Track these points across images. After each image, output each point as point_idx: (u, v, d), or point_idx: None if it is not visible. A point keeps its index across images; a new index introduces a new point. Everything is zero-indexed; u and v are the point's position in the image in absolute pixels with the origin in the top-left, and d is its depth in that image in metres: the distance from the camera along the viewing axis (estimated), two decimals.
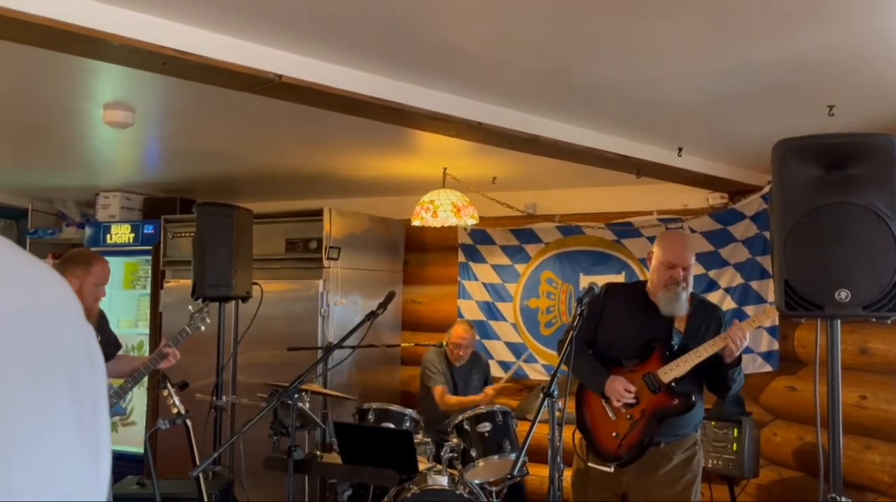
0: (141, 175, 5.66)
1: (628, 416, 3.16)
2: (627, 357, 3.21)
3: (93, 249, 6.02)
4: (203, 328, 3.97)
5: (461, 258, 5.72)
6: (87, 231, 6.00)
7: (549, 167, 4.84)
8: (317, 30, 2.43)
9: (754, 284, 4.68)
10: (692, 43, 2.52)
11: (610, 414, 3.20)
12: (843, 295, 2.25)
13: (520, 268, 5.53)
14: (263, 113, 3.61)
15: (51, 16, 2.04)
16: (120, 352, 4.13)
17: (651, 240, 5.10)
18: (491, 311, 5.59)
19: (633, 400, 3.14)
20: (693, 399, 3.11)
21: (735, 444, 4.24)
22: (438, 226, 4.78)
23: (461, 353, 4.77)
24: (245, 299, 4.45)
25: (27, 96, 3.40)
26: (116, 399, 3.55)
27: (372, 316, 3.03)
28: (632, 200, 5.24)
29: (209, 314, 3.84)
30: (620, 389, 3.14)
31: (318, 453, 3.29)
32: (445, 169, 4.71)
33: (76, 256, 3.36)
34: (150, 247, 5.73)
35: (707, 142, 3.94)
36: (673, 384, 3.14)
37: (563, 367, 2.86)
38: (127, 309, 6.10)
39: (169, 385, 2.92)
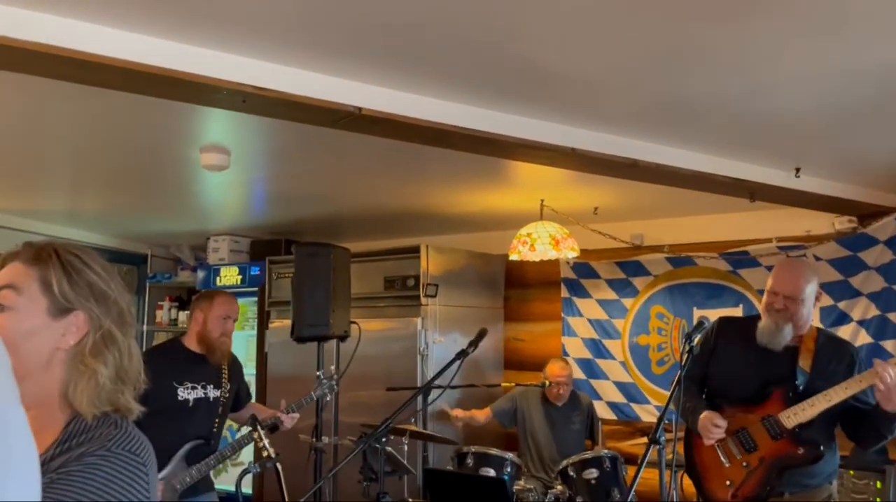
0: (248, 218, 5.82)
1: (744, 464, 2.84)
2: (744, 398, 2.90)
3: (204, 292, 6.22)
4: (329, 397, 3.92)
5: (564, 293, 5.50)
6: (200, 274, 6.21)
7: (655, 195, 4.59)
8: (396, 60, 2.36)
9: (893, 316, 4.21)
10: (809, 43, 2.26)
11: (724, 460, 2.89)
12: None
13: (627, 302, 5.24)
14: (358, 150, 3.60)
15: (126, 57, 2.06)
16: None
17: (771, 269, 4.70)
18: (598, 349, 5.31)
19: (752, 446, 2.82)
20: (821, 449, 2.76)
21: (879, 498, 3.76)
22: (537, 259, 4.60)
23: (561, 392, 4.54)
24: (343, 338, 4.41)
25: (131, 143, 3.53)
26: (231, 451, 3.53)
27: (462, 354, 2.89)
28: (748, 227, 4.88)
29: (338, 384, 3.79)
30: (708, 424, 2.84)
31: (410, 500, 3.16)
32: (543, 200, 4.54)
33: (203, 293, 3.52)
34: (256, 289, 5.85)
35: (829, 159, 3.59)
36: (797, 430, 2.79)
37: (672, 407, 2.62)
38: (238, 349, 6.20)
39: (259, 427, 2.88)
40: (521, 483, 3.80)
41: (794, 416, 2.77)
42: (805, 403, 2.76)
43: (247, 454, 5.77)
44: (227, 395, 3.42)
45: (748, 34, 2.20)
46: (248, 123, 3.12)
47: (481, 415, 4.76)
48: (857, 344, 4.26)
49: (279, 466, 2.69)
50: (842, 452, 3.99)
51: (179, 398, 3.23)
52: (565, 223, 4.63)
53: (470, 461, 3.80)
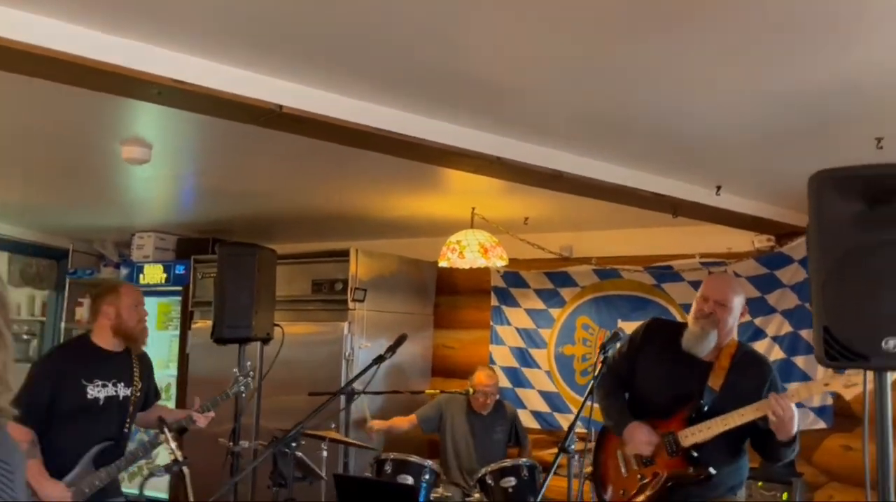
0: (175, 215, 5.68)
1: (640, 476, 2.89)
2: (655, 409, 2.94)
3: None
4: (244, 394, 3.83)
5: (493, 302, 5.53)
6: (123, 271, 6.03)
7: (584, 207, 4.65)
8: (319, 59, 2.33)
9: (804, 333, 4.35)
10: (729, 65, 2.33)
11: (622, 469, 2.93)
12: (892, 343, 1.99)
13: (554, 312, 5.30)
14: (288, 150, 3.55)
15: (34, 41, 1.98)
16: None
17: (693, 284, 4.83)
18: (524, 358, 5.35)
19: (649, 459, 2.87)
20: (711, 471, 2.80)
21: None
22: (466, 267, 4.61)
23: (487, 401, 4.55)
24: (266, 341, 4.33)
25: (51, 132, 3.40)
26: (142, 453, 3.37)
27: (379, 359, 2.86)
28: (673, 243, 4.99)
29: (254, 380, 3.70)
30: (640, 439, 2.86)
31: None
32: (474, 209, 4.56)
33: (103, 286, 3.36)
34: (180, 288, 5.71)
35: (748, 179, 3.71)
36: (692, 449, 2.84)
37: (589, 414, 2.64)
38: (160, 350, 6.05)
39: (166, 429, 2.79)
40: (440, 490, 3.79)
41: (692, 436, 2.82)
42: (703, 425, 2.81)
43: (165, 459, 5.62)
44: (139, 394, 3.31)
45: (671, 52, 2.25)
46: (170, 117, 3.04)
47: (405, 422, 4.73)
48: (773, 358, 4.40)
49: (186, 470, 2.60)
50: (753, 463, 4.12)
51: (89, 397, 3.11)
52: (496, 232, 4.65)
53: (388, 468, 3.77)
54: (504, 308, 5.49)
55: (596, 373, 2.74)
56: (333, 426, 4.14)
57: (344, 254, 4.85)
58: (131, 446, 3.35)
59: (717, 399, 2.86)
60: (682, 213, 3.98)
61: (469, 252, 4.35)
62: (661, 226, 4.94)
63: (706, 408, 2.84)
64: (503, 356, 5.42)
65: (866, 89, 2.48)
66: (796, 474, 4.09)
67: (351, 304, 4.81)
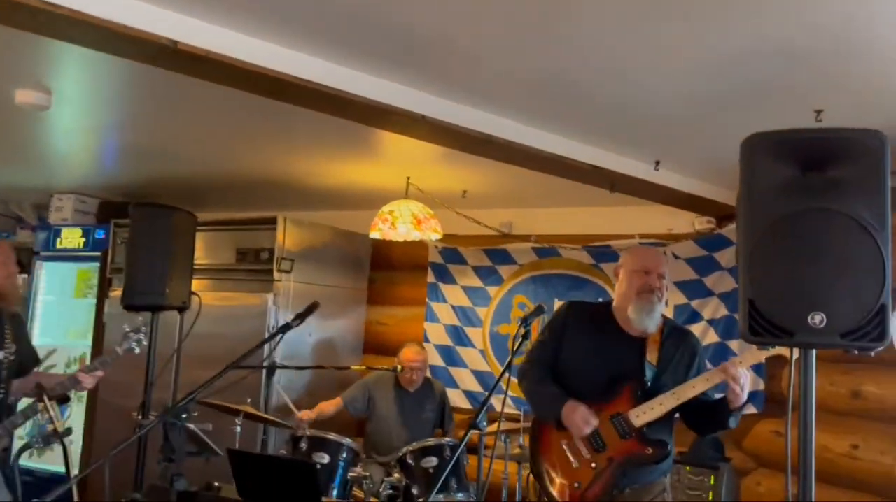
0: (97, 177, 5.35)
1: (593, 464, 2.72)
2: (592, 393, 2.76)
3: (43, 254, 5.71)
4: (137, 350, 3.56)
5: (430, 278, 5.35)
6: (40, 235, 5.68)
7: (524, 183, 4.51)
8: None
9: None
10: (665, 30, 2.19)
11: (572, 460, 2.75)
12: (818, 319, 1.87)
13: (491, 290, 5.15)
14: (213, 106, 3.32)
15: None
16: (40, 369, 3.69)
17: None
18: (459, 336, 5.19)
19: (601, 445, 2.72)
20: (669, 447, 2.70)
21: (711, 493, 3.81)
22: (399, 239, 4.43)
23: (414, 378, 4.38)
24: (182, 310, 4.07)
25: None
26: (21, 421, 3.09)
27: (286, 328, 2.66)
28: (613, 222, 4.87)
29: (146, 335, 3.43)
30: (579, 420, 2.68)
31: (217, 485, 2.90)
32: (409, 178, 4.36)
33: None
34: (99, 253, 5.39)
35: (688, 154, 3.58)
36: (645, 429, 2.71)
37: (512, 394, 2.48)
38: (78, 319, 5.74)
39: (46, 397, 2.54)
40: (358, 469, 3.61)
41: (644, 415, 2.68)
42: (654, 401, 2.68)
43: (79, 434, 5.31)
44: (12, 357, 3.04)
45: (608, 14, 2.09)
46: (67, 58, 2.78)
47: (331, 406, 4.50)
48: (706, 342, 4.31)
49: (66, 442, 2.37)
50: (680, 448, 4.04)
51: None
52: (433, 205, 4.46)
53: (304, 445, 3.57)
54: (441, 285, 5.32)
55: (514, 348, 2.58)
56: (249, 401, 3.91)
57: (271, 221, 4.61)
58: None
59: (656, 373, 2.75)
60: (620, 189, 3.85)
61: (402, 223, 4.15)
62: (602, 205, 4.82)
63: (650, 385, 2.73)
64: (438, 334, 5.26)
65: (804, 56, 2.35)
66: (724, 459, 4.02)
67: (277, 275, 4.58)
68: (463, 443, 2.26)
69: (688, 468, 3.90)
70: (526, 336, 2.62)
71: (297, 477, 2.29)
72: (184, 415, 2.50)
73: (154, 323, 4.08)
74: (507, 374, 2.48)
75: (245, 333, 4.56)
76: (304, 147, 4.04)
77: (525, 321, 2.62)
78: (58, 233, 5.56)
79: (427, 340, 5.24)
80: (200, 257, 4.85)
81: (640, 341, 2.80)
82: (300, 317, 2.72)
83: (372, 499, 3.57)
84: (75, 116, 3.72)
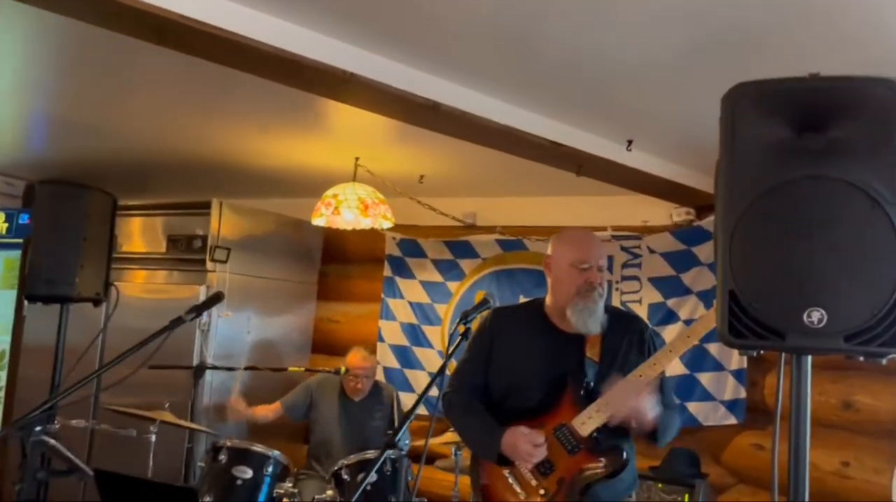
0: (25, 156, 4.90)
1: (542, 491, 2.29)
2: (532, 406, 2.35)
3: None
4: None
5: (387, 272, 4.92)
6: None
7: (488, 169, 4.10)
8: None
9: None
10: None
11: (518, 491, 2.32)
12: (816, 317, 1.47)
13: (452, 285, 4.73)
14: (144, 72, 2.93)
15: None
16: None
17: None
18: (416, 336, 4.77)
19: (547, 467, 2.30)
20: (625, 454, 2.27)
21: None
22: (347, 227, 3.99)
23: (359, 386, 3.94)
24: (97, 302, 3.62)
25: None
26: None
27: (177, 322, 2.23)
28: (584, 214, 4.46)
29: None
30: (525, 446, 2.27)
31: None
32: (357, 159, 3.93)
33: None
34: (22, 240, 4.92)
35: (663, 132, 3.18)
36: (595, 436, 2.29)
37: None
38: (3, 311, 5.25)
39: None
40: (287, 485, 3.18)
41: (590, 421, 2.27)
42: (599, 403, 2.27)
43: None
44: None
45: None
46: None
47: (269, 411, 4.05)
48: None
49: None
50: (652, 462, 3.64)
51: None
52: (388, 192, 4.03)
53: (223, 457, 3.13)
54: (398, 279, 4.89)
55: (450, 351, 2.17)
56: (168, 406, 3.46)
57: (205, 206, 4.15)
58: None
59: (599, 370, 2.33)
60: (588, 173, 3.44)
61: (347, 209, 3.72)
62: (572, 194, 4.43)
63: (592, 385, 2.31)
64: (393, 333, 4.83)
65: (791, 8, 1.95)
66: (700, 475, 3.61)
67: (210, 265, 4.12)
68: (376, 465, 1.83)
69: (659, 485, 3.49)
70: (466, 335, 2.20)
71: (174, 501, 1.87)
72: (38, 428, 2.06)
73: (63, 317, 3.63)
74: (442, 376, 2.07)
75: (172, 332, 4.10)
76: (243, 121, 3.60)
77: (465, 317, 2.20)
78: None
79: (382, 340, 4.81)
80: (128, 245, 4.41)
81: (577, 337, 2.38)
82: (197, 310, 2.30)
83: None
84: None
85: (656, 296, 4.11)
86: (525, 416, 2.33)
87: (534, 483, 2.29)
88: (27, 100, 3.67)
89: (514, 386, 2.40)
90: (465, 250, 4.72)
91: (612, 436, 2.31)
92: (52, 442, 2.09)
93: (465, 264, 4.71)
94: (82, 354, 3.54)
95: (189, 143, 4.05)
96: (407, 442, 1.97)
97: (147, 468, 3.31)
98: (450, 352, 2.14)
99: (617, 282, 4.28)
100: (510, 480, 2.32)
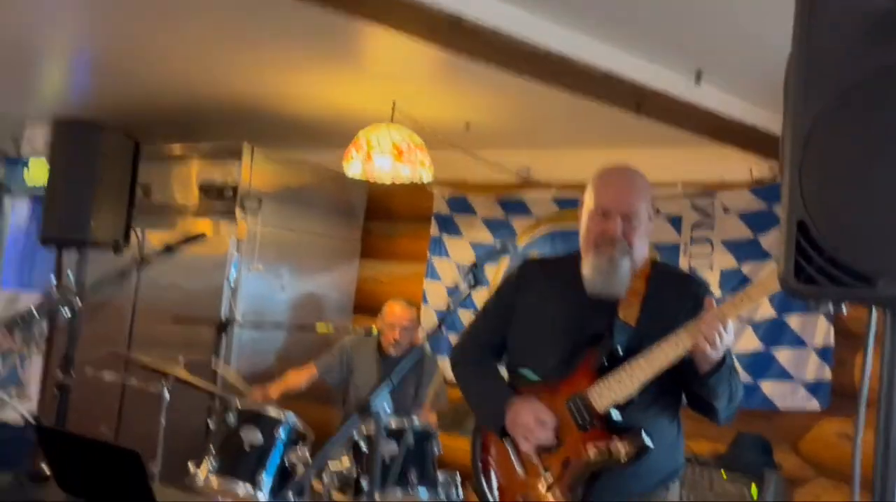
0: (74, 104, 4.79)
1: (544, 470, 1.94)
2: (544, 370, 2.00)
3: (13, 189, 5.22)
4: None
5: (434, 231, 4.59)
6: (7, 168, 5.16)
7: (539, 114, 3.70)
8: None
9: None
10: None
11: (518, 469, 1.99)
12: None
13: None
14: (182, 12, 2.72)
15: None
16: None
17: (673, 220, 3.85)
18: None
19: (552, 442, 1.93)
20: (644, 440, 1.86)
21: None
22: (384, 180, 3.66)
23: (396, 336, 3.64)
24: (116, 249, 3.45)
25: None
26: None
27: (140, 264, 1.94)
28: (652, 168, 3.85)
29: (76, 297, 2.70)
30: (529, 421, 1.92)
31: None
32: (395, 103, 3.57)
33: None
34: None
35: (740, 60, 2.69)
36: (613, 414, 1.90)
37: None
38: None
39: None
40: (301, 452, 2.91)
41: (608, 392, 1.88)
42: (622, 372, 1.87)
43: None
44: None
45: None
46: None
47: (302, 377, 3.77)
48: (758, 318, 3.44)
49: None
50: (715, 445, 3.20)
51: None
52: (433, 147, 3.67)
53: (232, 419, 2.89)
54: (445, 237, 4.55)
55: (464, 298, 1.85)
56: (183, 362, 3.24)
57: (235, 152, 3.89)
58: None
59: (635, 335, 1.93)
60: (648, 111, 2.97)
61: (378, 153, 3.38)
62: (638, 145, 3.94)
63: (622, 351, 1.90)
64: (438, 295, 4.51)
65: None
66: (772, 465, 3.14)
67: (240, 215, 3.87)
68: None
69: (723, 473, 3.05)
70: (477, 280, 1.85)
71: (118, 465, 1.61)
72: None
73: (82, 264, 3.48)
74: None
75: (201, 283, 3.90)
76: (273, 57, 3.31)
77: (474, 268, 1.86)
78: (27, 165, 5.02)
79: (426, 301, 4.50)
80: (158, 194, 4.23)
81: (613, 299, 1.99)
82: (169, 249, 2.00)
83: (315, 485, 2.88)
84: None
85: (729, 261, 3.62)
86: (539, 383, 1.98)
87: (535, 463, 1.93)
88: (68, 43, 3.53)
89: (532, 347, 2.06)
90: (518, 208, 4.33)
91: (638, 415, 1.89)
92: None
93: (518, 223, 4.32)
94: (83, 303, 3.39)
95: (220, 87, 3.81)
96: (387, 409, 1.64)
97: (159, 427, 3.12)
98: (452, 308, 1.81)
99: (686, 245, 3.81)
100: (511, 456, 1.97)
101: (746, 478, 3.00)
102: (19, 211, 5.23)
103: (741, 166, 3.74)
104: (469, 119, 3.82)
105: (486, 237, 4.43)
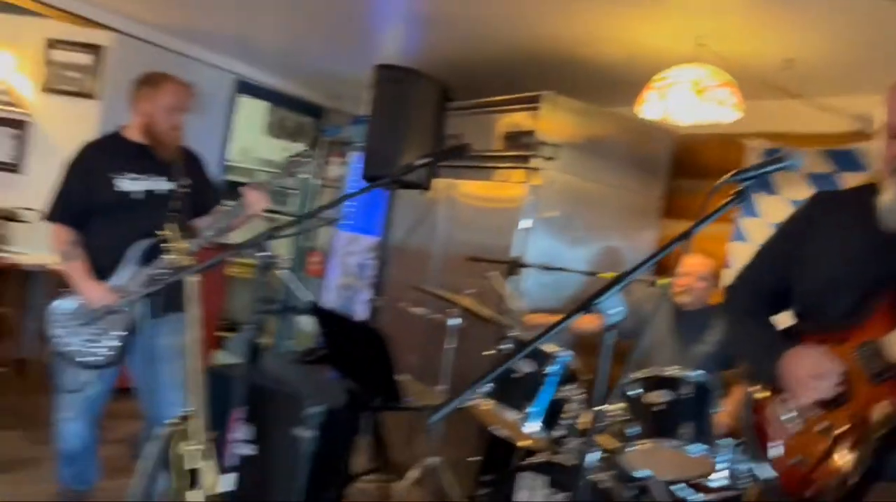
0: (399, 58, 5.16)
1: (824, 426, 1.66)
2: (833, 315, 1.72)
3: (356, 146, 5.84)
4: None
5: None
6: (355, 128, 5.83)
7: (882, 44, 3.14)
8: None
9: None
10: None
11: (795, 426, 1.73)
12: None
13: None
14: None
15: None
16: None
17: None
18: None
19: (836, 395, 1.64)
20: None
21: None
22: (681, 121, 3.41)
23: (688, 283, 3.42)
24: (423, 188, 3.74)
25: None
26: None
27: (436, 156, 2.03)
28: None
29: (305, 163, 2.91)
30: (810, 371, 1.66)
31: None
32: (697, 39, 3.29)
33: (146, 76, 2.93)
34: None
35: None
36: None
37: None
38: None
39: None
40: (571, 389, 2.86)
41: None
42: None
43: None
44: (186, 190, 2.92)
45: None
46: None
47: (593, 322, 3.73)
48: None
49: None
50: None
51: (117, 189, 2.81)
52: (748, 95, 3.33)
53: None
54: (756, 195, 4.12)
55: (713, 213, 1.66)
56: (471, 292, 3.40)
57: (533, 100, 3.93)
58: None
59: None
60: None
61: (674, 92, 3.15)
62: None
63: None
64: (744, 258, 4.09)
65: None
66: None
67: (538, 163, 3.91)
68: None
69: None
70: (742, 196, 1.65)
71: (368, 340, 1.74)
72: (267, 254, 2.03)
73: (391, 201, 3.84)
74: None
75: (494, 225, 4.04)
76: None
77: (743, 173, 1.64)
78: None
79: (729, 266, 4.13)
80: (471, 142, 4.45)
81: None
82: (440, 155, 2.08)
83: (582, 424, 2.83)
84: None
85: None
86: (825, 330, 1.70)
87: (817, 417, 1.64)
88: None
89: (819, 290, 1.79)
90: (848, 161, 3.75)
91: None
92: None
93: (845, 178, 3.74)
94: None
95: (527, 34, 3.83)
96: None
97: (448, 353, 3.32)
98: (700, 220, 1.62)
99: None
100: (787, 412, 1.70)
101: None
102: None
103: None
104: (790, 55, 3.39)
105: (808, 194, 3.91)
